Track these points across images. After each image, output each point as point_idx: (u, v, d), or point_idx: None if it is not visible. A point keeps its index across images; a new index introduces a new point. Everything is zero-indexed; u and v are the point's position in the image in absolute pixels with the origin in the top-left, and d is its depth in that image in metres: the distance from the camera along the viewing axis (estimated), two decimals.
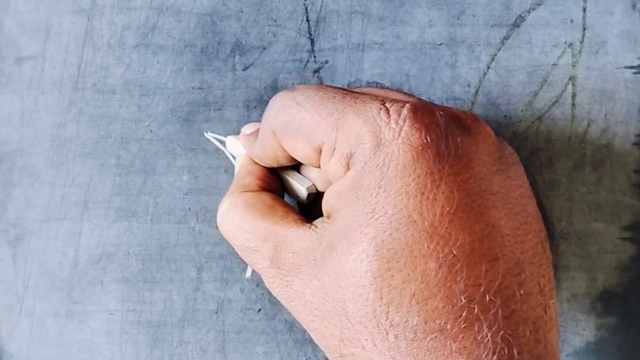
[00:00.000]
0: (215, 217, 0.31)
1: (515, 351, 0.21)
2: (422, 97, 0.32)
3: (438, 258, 0.21)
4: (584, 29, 0.32)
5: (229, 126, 0.32)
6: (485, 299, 0.21)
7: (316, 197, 0.28)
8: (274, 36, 0.32)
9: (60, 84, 0.32)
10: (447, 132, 0.23)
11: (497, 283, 0.22)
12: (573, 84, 0.32)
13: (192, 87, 0.32)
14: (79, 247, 0.32)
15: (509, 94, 0.32)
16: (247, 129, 0.29)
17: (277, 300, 0.31)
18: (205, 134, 0.32)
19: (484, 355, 0.21)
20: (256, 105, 0.32)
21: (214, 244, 0.31)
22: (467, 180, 0.22)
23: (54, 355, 0.31)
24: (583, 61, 0.32)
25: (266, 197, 0.26)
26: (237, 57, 0.32)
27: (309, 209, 0.28)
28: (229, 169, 0.32)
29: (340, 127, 0.23)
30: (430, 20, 0.32)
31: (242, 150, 0.29)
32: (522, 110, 0.32)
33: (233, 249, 0.31)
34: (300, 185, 0.27)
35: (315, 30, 0.32)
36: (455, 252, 0.21)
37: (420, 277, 0.21)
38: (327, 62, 0.32)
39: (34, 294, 0.32)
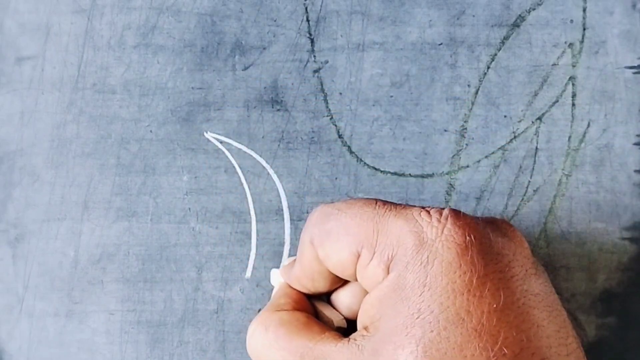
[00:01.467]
0: (215, 217, 0.31)
1: None
2: (422, 97, 0.32)
3: (489, 357, 0.21)
4: (584, 29, 0.32)
5: (229, 126, 0.32)
6: None
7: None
8: (274, 36, 0.32)
9: (60, 84, 0.32)
10: (488, 232, 0.23)
11: None
12: (573, 84, 0.32)
13: (192, 87, 0.32)
14: (79, 247, 0.32)
15: (509, 94, 0.32)
16: (286, 261, 0.30)
17: None
18: (205, 134, 0.32)
19: None
20: (256, 105, 0.32)
21: (214, 244, 0.31)
22: (510, 278, 0.22)
23: (54, 355, 0.31)
24: (583, 61, 0.32)
25: (300, 315, 0.26)
26: (237, 57, 0.32)
27: None
28: (229, 169, 0.32)
29: (381, 230, 0.23)
30: (430, 20, 0.32)
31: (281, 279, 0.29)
32: (522, 110, 0.32)
33: (233, 248, 0.31)
34: (331, 316, 0.27)
35: (315, 30, 0.32)
36: (505, 351, 0.21)
37: None
38: (327, 62, 0.32)
39: (34, 294, 0.32)
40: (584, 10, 0.32)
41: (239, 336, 0.31)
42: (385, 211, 0.24)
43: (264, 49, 0.32)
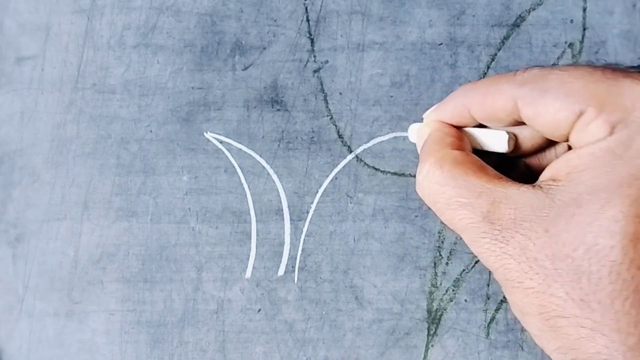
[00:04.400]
0: (215, 217, 0.31)
1: None
2: (422, 97, 0.32)
3: None
4: (584, 29, 0.32)
5: (229, 126, 0.32)
6: None
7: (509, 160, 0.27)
8: (274, 36, 0.32)
9: (60, 84, 0.32)
10: None
11: None
12: None
13: (192, 87, 0.32)
14: (79, 247, 0.32)
15: None
16: (427, 113, 0.29)
17: (277, 300, 0.31)
18: (205, 134, 0.32)
19: None
20: (256, 105, 0.32)
21: (214, 244, 0.31)
22: None
23: (54, 355, 0.31)
24: (583, 61, 0.32)
25: (474, 158, 0.26)
26: (237, 57, 0.32)
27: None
28: (229, 169, 0.32)
29: (613, 91, 0.23)
30: (430, 20, 0.32)
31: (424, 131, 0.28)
32: None
33: (233, 248, 0.31)
34: (499, 133, 0.27)
35: (315, 30, 0.32)
36: None
37: None
38: (327, 62, 0.32)
39: (34, 294, 0.32)
40: (584, 10, 0.32)
41: (239, 336, 0.31)
42: (619, 76, 0.23)
43: (264, 49, 0.32)
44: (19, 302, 0.32)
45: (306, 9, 0.32)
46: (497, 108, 0.26)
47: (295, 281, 0.31)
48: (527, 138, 0.27)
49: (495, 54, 0.32)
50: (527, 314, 0.24)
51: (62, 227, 0.32)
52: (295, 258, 0.31)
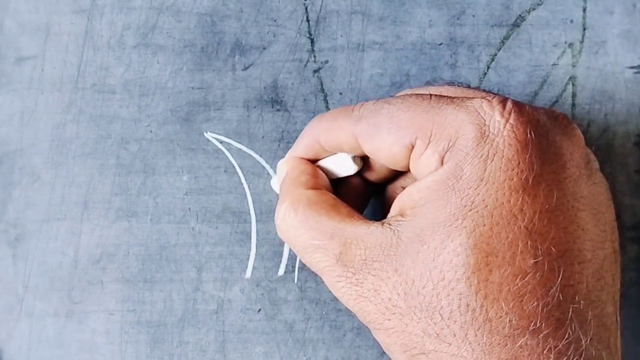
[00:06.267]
0: (215, 217, 0.31)
1: (603, 355, 0.22)
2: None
3: (536, 255, 0.21)
4: (584, 29, 0.32)
5: (229, 126, 0.32)
6: (576, 300, 0.21)
7: (362, 197, 0.28)
8: (274, 36, 0.32)
9: (60, 84, 0.32)
10: (548, 130, 0.23)
11: (585, 286, 0.22)
12: (573, 84, 0.32)
13: (192, 87, 0.32)
14: (79, 247, 0.32)
15: (509, 94, 0.32)
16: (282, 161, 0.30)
17: (277, 300, 0.31)
18: (205, 134, 0.32)
19: (573, 357, 0.21)
20: (256, 105, 0.32)
21: (214, 244, 0.31)
22: (564, 180, 0.22)
23: (54, 355, 0.31)
24: (583, 61, 0.32)
25: (328, 197, 0.26)
26: (237, 57, 0.32)
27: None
28: (229, 169, 0.32)
29: (438, 121, 0.23)
30: (430, 20, 0.32)
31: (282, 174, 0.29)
32: None
33: (233, 248, 0.31)
34: (344, 157, 0.27)
35: (315, 30, 0.32)
36: (553, 250, 0.21)
37: (520, 273, 0.21)
38: (327, 62, 0.32)
39: (34, 294, 0.32)
40: (584, 10, 0.32)
41: (239, 336, 0.31)
42: (443, 104, 0.23)
43: (264, 49, 0.32)
44: (19, 302, 0.32)
45: (306, 9, 0.32)
46: (341, 142, 0.26)
47: (295, 281, 0.31)
48: (380, 165, 0.27)
49: (495, 54, 0.32)
50: (393, 353, 0.24)
51: (62, 227, 0.32)
52: (295, 258, 0.31)
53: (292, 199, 0.26)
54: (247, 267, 0.31)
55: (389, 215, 0.25)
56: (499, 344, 0.21)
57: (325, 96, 0.32)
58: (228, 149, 0.32)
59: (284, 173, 0.28)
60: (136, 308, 0.31)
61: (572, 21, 0.32)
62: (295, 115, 0.32)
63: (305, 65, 0.32)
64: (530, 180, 0.22)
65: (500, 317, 0.21)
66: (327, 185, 0.28)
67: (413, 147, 0.24)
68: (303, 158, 0.28)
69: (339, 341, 0.31)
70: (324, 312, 0.31)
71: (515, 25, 0.32)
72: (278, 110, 0.32)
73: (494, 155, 0.22)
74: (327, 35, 0.32)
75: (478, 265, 0.21)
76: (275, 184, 0.30)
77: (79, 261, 0.32)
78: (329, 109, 0.32)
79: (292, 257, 0.31)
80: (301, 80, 0.32)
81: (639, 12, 0.32)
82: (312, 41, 0.32)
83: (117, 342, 0.31)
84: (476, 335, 0.21)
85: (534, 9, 0.32)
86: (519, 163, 0.22)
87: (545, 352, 0.21)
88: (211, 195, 0.32)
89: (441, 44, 0.32)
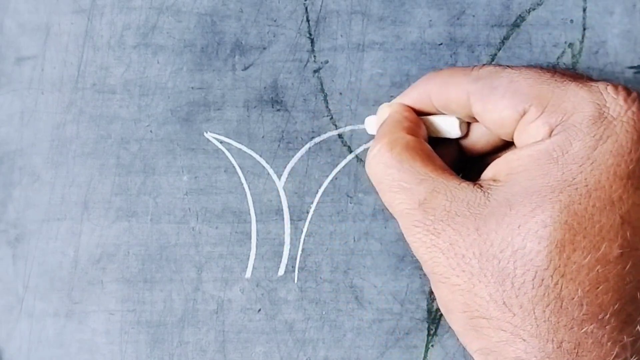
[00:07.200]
0: (215, 217, 0.31)
1: None
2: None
3: (623, 247, 0.21)
4: (584, 29, 0.32)
5: (229, 126, 0.32)
6: None
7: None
8: (274, 36, 0.32)
9: (60, 84, 0.32)
10: None
11: None
12: None
13: (192, 87, 0.32)
14: (79, 247, 0.32)
15: None
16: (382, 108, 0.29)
17: (277, 300, 0.31)
18: (205, 134, 0.32)
19: (636, 356, 0.21)
20: (256, 105, 0.32)
21: (214, 244, 0.31)
22: None
23: (54, 355, 0.31)
24: (583, 61, 0.32)
25: (426, 147, 0.26)
26: (237, 57, 0.32)
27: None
28: (229, 168, 0.32)
29: (558, 93, 0.23)
30: (430, 20, 0.32)
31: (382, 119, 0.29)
32: None
33: (233, 248, 0.31)
34: (452, 120, 0.27)
35: (315, 30, 0.32)
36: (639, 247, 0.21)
37: (602, 261, 0.21)
38: (327, 62, 0.32)
39: (34, 294, 0.32)
40: (584, 10, 0.32)
41: (239, 336, 0.31)
42: (566, 79, 0.23)
43: (264, 49, 0.32)
44: (19, 302, 0.32)
45: (306, 9, 0.32)
46: (452, 100, 0.26)
47: (295, 281, 0.31)
48: (484, 134, 0.27)
49: (495, 54, 0.32)
50: (451, 311, 0.24)
51: (62, 227, 0.32)
52: (295, 258, 0.31)
53: (390, 139, 0.26)
54: (247, 267, 0.31)
55: (481, 178, 0.25)
56: (565, 325, 0.21)
57: (325, 96, 0.32)
58: (228, 149, 0.32)
59: (385, 115, 0.28)
60: (136, 308, 0.31)
61: (572, 21, 0.32)
62: (295, 115, 0.32)
63: (305, 65, 0.32)
64: (637, 172, 0.22)
65: (573, 299, 0.21)
66: (426, 138, 0.27)
67: (524, 113, 0.24)
68: (409, 107, 0.28)
69: (339, 341, 0.31)
70: (324, 312, 0.31)
71: (515, 25, 0.32)
72: (278, 110, 0.32)
73: (608, 137, 0.22)
74: (327, 35, 0.32)
75: (563, 242, 0.21)
76: (371, 123, 0.30)
77: (79, 261, 0.32)
78: (329, 109, 0.32)
79: (292, 257, 0.31)
80: (301, 80, 0.32)
81: (639, 12, 0.32)
82: (312, 41, 0.32)
83: (117, 342, 0.31)
84: (544, 311, 0.21)
85: (534, 9, 0.32)
86: (631, 151, 0.22)
87: (609, 344, 0.21)
88: (211, 195, 0.32)
89: (441, 44, 0.32)
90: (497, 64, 0.25)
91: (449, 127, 0.27)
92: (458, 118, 0.27)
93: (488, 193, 0.23)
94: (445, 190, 0.24)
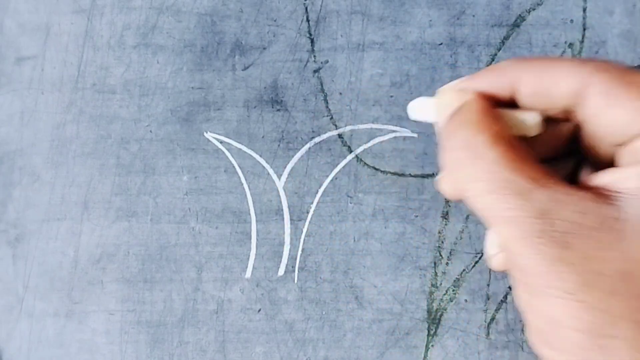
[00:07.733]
0: (215, 217, 0.31)
1: None
2: (421, 97, 0.32)
3: None
4: (584, 29, 0.32)
5: (229, 126, 0.32)
6: None
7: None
8: (274, 36, 0.32)
9: (60, 84, 0.32)
10: None
11: None
12: None
13: (192, 87, 0.32)
14: (79, 247, 0.32)
15: None
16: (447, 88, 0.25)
17: (277, 300, 0.31)
18: (205, 134, 0.32)
19: None
20: (256, 105, 0.32)
21: (214, 244, 0.31)
22: None
23: (54, 355, 0.31)
24: None
25: (528, 147, 0.22)
26: (237, 57, 0.32)
27: None
28: (229, 168, 0.32)
29: None
30: (430, 20, 0.32)
31: (443, 106, 0.24)
32: None
33: (233, 248, 0.31)
34: (531, 114, 0.23)
35: (315, 30, 0.32)
36: None
37: None
38: (327, 62, 0.32)
39: (34, 294, 0.32)
40: (584, 10, 0.32)
41: (239, 336, 0.31)
42: None
43: (264, 49, 0.32)
44: (19, 302, 0.32)
45: (306, 9, 0.32)
46: (556, 89, 0.22)
47: (295, 281, 0.31)
48: (557, 137, 0.24)
49: (495, 54, 0.32)
50: (568, 328, 0.22)
51: (62, 227, 0.32)
52: (295, 258, 0.31)
53: (494, 130, 0.22)
54: (247, 267, 0.31)
55: (596, 186, 0.22)
56: None
57: (325, 96, 0.32)
58: (228, 149, 0.32)
59: (455, 104, 0.24)
60: (136, 308, 0.31)
61: (572, 21, 0.32)
62: (295, 115, 0.32)
63: (305, 65, 0.32)
64: None
65: None
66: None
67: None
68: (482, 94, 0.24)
69: (339, 341, 0.31)
70: (324, 312, 0.31)
71: (515, 25, 0.32)
72: (278, 110, 0.32)
73: None
74: (327, 35, 0.32)
75: None
76: (423, 107, 0.25)
77: (79, 261, 0.32)
78: (329, 109, 0.32)
79: (292, 257, 0.31)
80: (301, 80, 0.32)
81: (639, 12, 0.32)
82: (312, 41, 0.32)
83: (117, 342, 0.31)
84: None
85: (534, 9, 0.32)
86: None
87: None
88: (211, 195, 0.32)
89: (441, 44, 0.32)
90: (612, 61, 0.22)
91: (527, 122, 0.23)
92: (539, 114, 0.23)
93: (619, 205, 0.21)
94: (572, 201, 0.21)
